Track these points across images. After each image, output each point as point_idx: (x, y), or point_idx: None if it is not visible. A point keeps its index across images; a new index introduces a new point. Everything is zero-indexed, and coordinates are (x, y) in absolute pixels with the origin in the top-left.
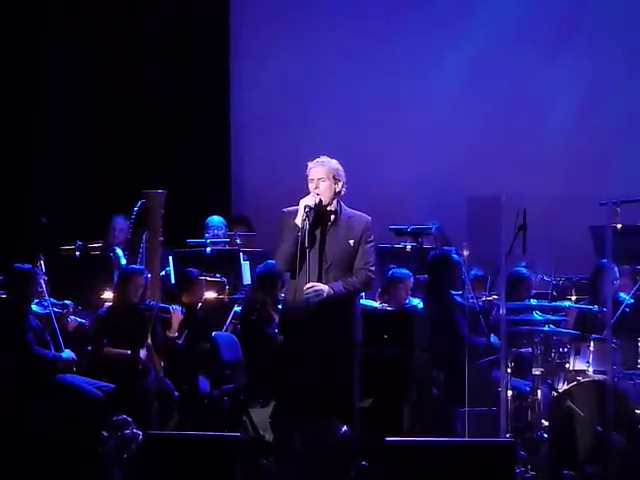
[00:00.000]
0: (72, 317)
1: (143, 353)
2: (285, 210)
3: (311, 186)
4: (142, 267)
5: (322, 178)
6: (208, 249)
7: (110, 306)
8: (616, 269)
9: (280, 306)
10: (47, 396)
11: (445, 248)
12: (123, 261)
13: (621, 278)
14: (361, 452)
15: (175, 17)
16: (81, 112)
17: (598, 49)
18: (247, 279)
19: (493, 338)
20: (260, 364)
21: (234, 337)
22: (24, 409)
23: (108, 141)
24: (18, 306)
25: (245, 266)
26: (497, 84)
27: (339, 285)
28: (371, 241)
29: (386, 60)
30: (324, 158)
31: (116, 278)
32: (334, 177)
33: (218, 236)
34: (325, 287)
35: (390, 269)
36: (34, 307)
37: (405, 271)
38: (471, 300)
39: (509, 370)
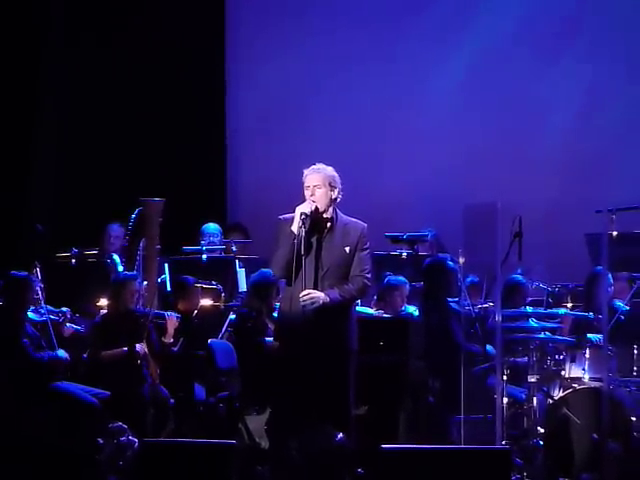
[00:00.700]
0: (68, 324)
1: (140, 347)
2: (281, 217)
3: (307, 193)
4: (135, 273)
5: (318, 185)
6: (204, 256)
7: (105, 313)
8: (610, 276)
9: (275, 314)
10: (43, 403)
11: (440, 255)
12: (120, 268)
13: (617, 282)
14: (357, 459)
15: (171, 22)
16: (77, 119)
17: (598, 53)
18: (243, 286)
19: (489, 347)
20: (256, 371)
21: (230, 344)
22: (20, 416)
23: (104, 148)
24: (14, 313)
25: (241, 273)
26: (495, 89)
27: (335, 292)
28: (367, 248)
29: (384, 64)
30: (320, 165)
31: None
32: (330, 184)
33: (214, 243)
34: (321, 294)
35: (386, 276)
36: (30, 314)
37: (401, 278)
38: (467, 307)
39: (505, 377)
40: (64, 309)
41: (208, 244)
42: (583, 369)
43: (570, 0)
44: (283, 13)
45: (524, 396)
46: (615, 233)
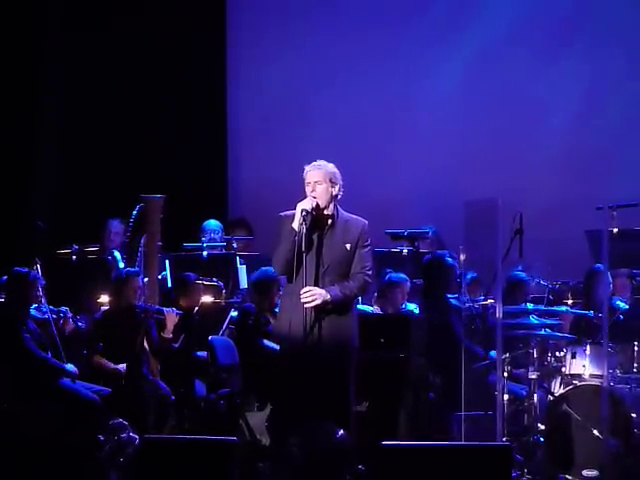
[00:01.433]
0: (70, 322)
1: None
2: (282, 214)
3: (308, 189)
4: (137, 269)
5: (319, 181)
6: (205, 253)
7: (107, 309)
8: (609, 273)
9: (277, 309)
10: (45, 400)
11: (438, 252)
12: (121, 264)
13: (618, 279)
14: (357, 456)
15: (172, 21)
16: (78, 116)
17: (596, 53)
18: (244, 283)
19: (493, 353)
20: (256, 368)
21: (231, 341)
22: (21, 412)
23: (105, 145)
24: (17, 309)
25: (242, 270)
26: (495, 87)
27: (335, 289)
28: (368, 245)
29: (383, 64)
30: (321, 162)
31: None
32: (331, 180)
33: (215, 240)
34: (322, 291)
35: (387, 273)
36: (32, 312)
37: (402, 275)
38: (468, 304)
39: (505, 374)
40: (63, 308)
41: (209, 241)
42: (583, 366)
43: (569, 1)
44: (284, 12)
45: (525, 393)
46: (615, 230)
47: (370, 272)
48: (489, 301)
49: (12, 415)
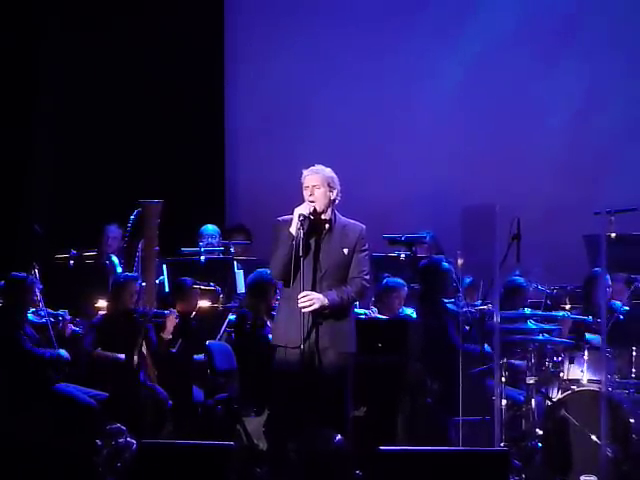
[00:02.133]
0: (69, 326)
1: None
2: (279, 219)
3: (306, 193)
4: (136, 274)
5: (317, 185)
6: (202, 258)
7: (105, 314)
8: (608, 277)
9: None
10: (42, 404)
11: (435, 256)
12: (119, 269)
13: (616, 283)
14: (355, 461)
15: (170, 22)
16: (75, 120)
17: (597, 53)
18: (241, 288)
19: (487, 347)
20: (254, 373)
21: (228, 346)
22: (19, 417)
23: (102, 150)
24: (14, 313)
25: (239, 275)
26: (494, 89)
27: (333, 294)
28: (365, 250)
29: (382, 67)
30: (318, 166)
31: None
32: (329, 185)
33: (212, 244)
34: (319, 296)
35: (384, 278)
36: (30, 316)
37: (399, 280)
38: (465, 308)
39: (503, 379)
40: (61, 312)
41: (206, 245)
42: (581, 371)
43: (568, 3)
44: (282, 13)
45: (522, 398)
46: (614, 235)
47: (367, 277)
48: (487, 305)
49: (8, 420)
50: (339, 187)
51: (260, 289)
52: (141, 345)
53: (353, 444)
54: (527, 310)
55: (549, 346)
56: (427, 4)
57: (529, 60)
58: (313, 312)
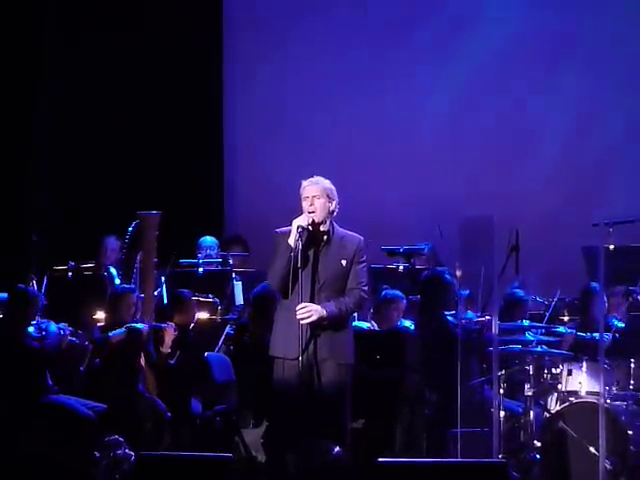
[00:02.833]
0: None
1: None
2: (278, 230)
3: (305, 204)
4: (133, 286)
5: (317, 195)
6: (200, 269)
7: (102, 326)
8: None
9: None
10: (40, 416)
11: (437, 269)
12: (117, 281)
13: (614, 297)
14: (353, 473)
15: (169, 35)
16: (73, 131)
17: (596, 67)
18: (239, 299)
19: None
20: (252, 384)
21: (226, 357)
22: (17, 429)
23: (101, 161)
24: (15, 326)
25: (237, 286)
26: (492, 102)
27: (331, 305)
28: (363, 261)
29: (380, 79)
30: (317, 177)
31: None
32: (328, 196)
33: (211, 256)
34: (317, 307)
35: (383, 289)
36: (30, 329)
37: (397, 292)
38: (464, 320)
39: (501, 391)
40: (62, 325)
41: (205, 257)
42: (580, 382)
43: (568, 14)
44: (281, 28)
45: (521, 409)
46: (612, 246)
47: (366, 288)
48: (485, 317)
49: (6, 432)
50: (337, 199)
51: (265, 303)
52: (139, 357)
53: (351, 456)
54: (525, 322)
55: (547, 358)
56: (427, 16)
57: (528, 72)
58: (311, 324)
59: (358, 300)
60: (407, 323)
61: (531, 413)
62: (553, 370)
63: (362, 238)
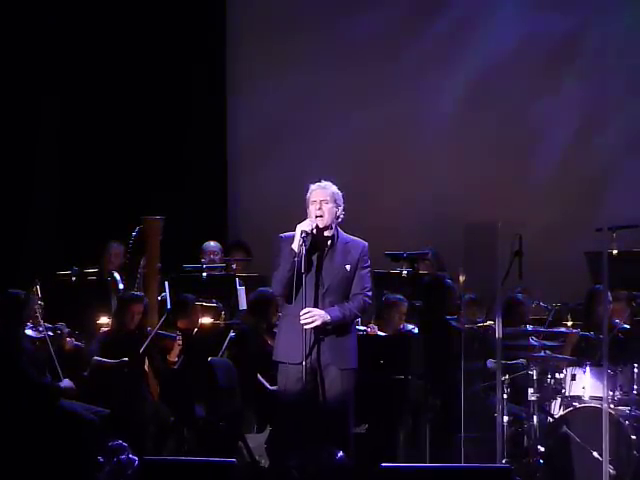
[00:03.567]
0: (68, 339)
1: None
2: (282, 235)
3: (312, 207)
4: (141, 294)
5: (325, 200)
6: (204, 274)
7: (107, 330)
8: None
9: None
10: (44, 420)
11: (438, 273)
12: (120, 286)
13: (617, 303)
14: (356, 478)
15: (172, 41)
16: (78, 138)
17: (598, 71)
18: (243, 304)
19: (489, 363)
20: (256, 389)
21: (230, 362)
22: (20, 433)
23: (104, 166)
24: (9, 330)
25: (241, 291)
26: (495, 107)
27: (335, 310)
28: (368, 266)
29: (383, 86)
30: (326, 182)
31: (114, 303)
32: (335, 201)
33: (214, 261)
34: (321, 312)
35: (384, 295)
36: (28, 331)
37: (398, 296)
38: (467, 325)
39: (505, 395)
40: (59, 325)
41: (208, 262)
42: (583, 387)
43: (571, 19)
44: (284, 32)
45: (524, 414)
46: (615, 251)
47: (370, 293)
48: (489, 322)
49: (9, 437)
50: (343, 205)
51: (261, 307)
52: (144, 362)
53: (355, 461)
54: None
55: (551, 362)
56: (428, 24)
57: (530, 78)
58: (315, 328)
59: (362, 305)
60: (411, 327)
61: (535, 418)
62: (557, 375)
63: (366, 243)
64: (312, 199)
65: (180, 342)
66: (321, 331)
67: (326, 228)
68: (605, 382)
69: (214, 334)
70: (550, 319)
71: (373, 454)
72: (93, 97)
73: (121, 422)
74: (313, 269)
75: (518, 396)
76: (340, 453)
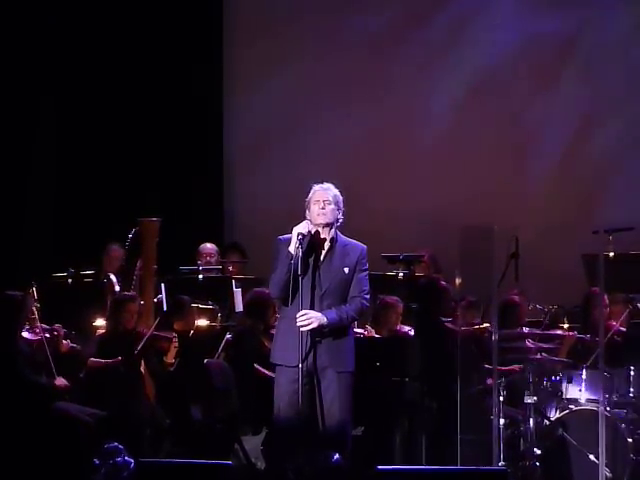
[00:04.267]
0: (65, 341)
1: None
2: (279, 237)
3: (316, 207)
4: (134, 294)
5: (328, 201)
6: (200, 276)
7: (103, 332)
8: (605, 297)
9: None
10: (39, 422)
11: (433, 275)
12: (117, 288)
13: (614, 305)
14: None
15: (169, 42)
16: (75, 140)
17: (596, 73)
18: (239, 306)
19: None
20: (252, 392)
21: (226, 364)
22: (15, 436)
23: (101, 168)
24: (6, 332)
25: (237, 293)
26: (493, 109)
27: (332, 312)
28: (366, 269)
29: (381, 88)
30: (328, 184)
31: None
32: (337, 204)
33: (210, 263)
34: (318, 314)
35: (378, 297)
36: (24, 333)
37: (393, 297)
38: (463, 327)
39: (501, 398)
40: (55, 326)
41: (205, 264)
42: (580, 390)
43: (569, 21)
44: (280, 35)
45: (521, 417)
46: (612, 254)
47: (368, 296)
48: (485, 324)
49: (5, 439)
50: (343, 209)
51: (258, 309)
52: (140, 364)
53: (351, 463)
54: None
55: (547, 365)
56: (426, 25)
57: (529, 79)
58: (312, 331)
59: (360, 308)
60: (407, 328)
61: (531, 421)
62: (553, 377)
63: (365, 246)
64: (315, 199)
65: (176, 344)
66: (318, 333)
67: (328, 226)
68: (602, 385)
69: (210, 336)
70: (546, 321)
71: (369, 456)
72: (90, 98)
73: (117, 424)
74: (310, 271)
75: (514, 399)
76: (336, 455)
